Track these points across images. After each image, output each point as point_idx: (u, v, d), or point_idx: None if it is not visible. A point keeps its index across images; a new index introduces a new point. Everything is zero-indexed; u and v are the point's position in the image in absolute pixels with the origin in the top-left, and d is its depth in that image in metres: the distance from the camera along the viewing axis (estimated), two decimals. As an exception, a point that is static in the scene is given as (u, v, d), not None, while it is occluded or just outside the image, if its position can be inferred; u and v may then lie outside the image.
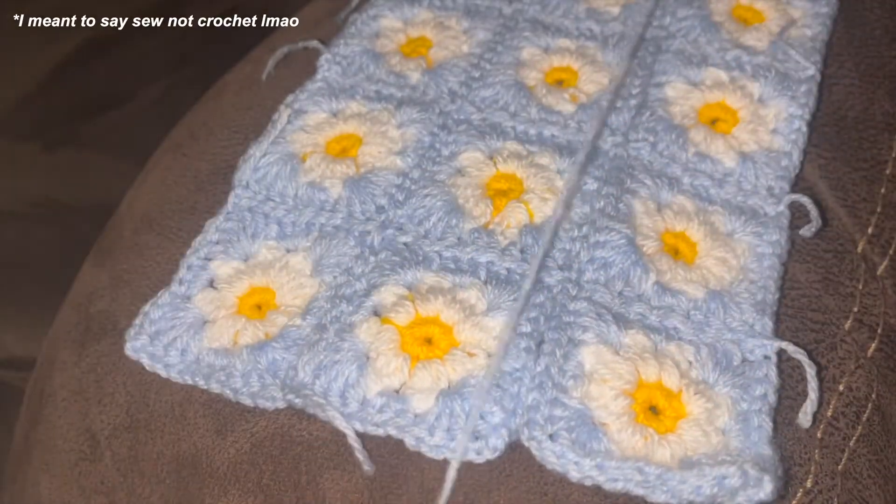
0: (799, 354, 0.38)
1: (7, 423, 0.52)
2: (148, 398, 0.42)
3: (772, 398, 0.37)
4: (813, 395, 0.37)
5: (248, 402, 0.39)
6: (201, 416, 0.40)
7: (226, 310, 0.42)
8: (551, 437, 0.35)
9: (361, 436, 0.37)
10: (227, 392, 0.39)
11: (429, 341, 0.39)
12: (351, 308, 0.40)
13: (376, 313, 0.39)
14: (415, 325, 0.39)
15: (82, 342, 0.45)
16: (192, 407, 0.40)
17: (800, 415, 0.38)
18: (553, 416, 0.36)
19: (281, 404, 0.38)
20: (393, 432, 0.36)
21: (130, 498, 0.40)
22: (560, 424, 0.35)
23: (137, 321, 0.42)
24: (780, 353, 0.39)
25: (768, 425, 0.36)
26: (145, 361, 0.41)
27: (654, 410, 0.36)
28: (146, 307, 0.42)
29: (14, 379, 0.65)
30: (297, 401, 0.37)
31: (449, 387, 0.37)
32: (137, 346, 0.41)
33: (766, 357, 0.38)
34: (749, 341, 0.38)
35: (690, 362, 0.38)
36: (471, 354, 0.38)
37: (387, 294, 0.40)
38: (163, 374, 0.41)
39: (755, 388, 0.37)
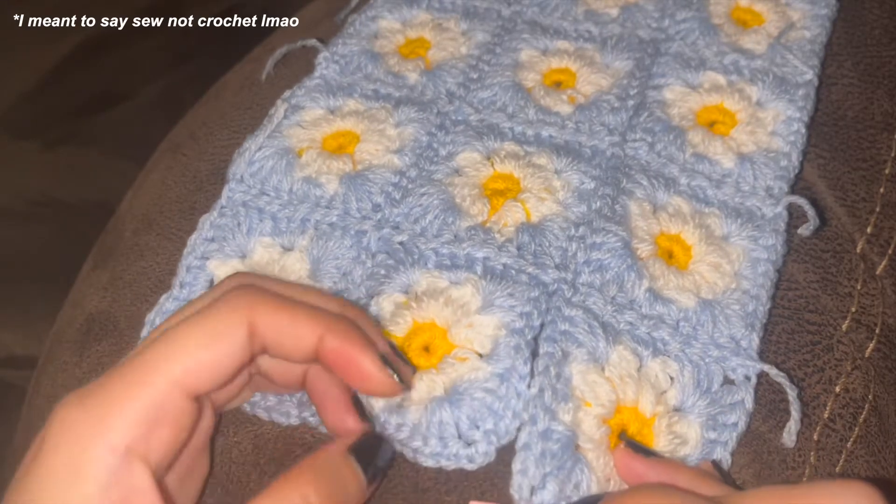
0: (780, 378, 0.38)
1: (7, 422, 0.52)
2: (148, 399, 0.42)
3: (742, 426, 0.37)
4: (796, 415, 0.37)
5: (263, 415, 0.38)
6: (204, 416, 0.40)
7: None
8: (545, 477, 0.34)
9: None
10: (245, 406, 0.39)
11: (427, 349, 0.39)
12: None
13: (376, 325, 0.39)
14: (412, 335, 0.39)
15: (83, 343, 0.45)
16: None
17: (784, 435, 0.38)
18: (545, 451, 0.34)
19: (295, 421, 0.38)
20: (395, 448, 0.37)
21: (130, 498, 0.40)
22: (549, 464, 0.34)
23: (144, 332, 0.41)
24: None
25: (728, 459, 0.36)
26: None
27: (622, 437, 0.36)
28: (151, 314, 0.42)
29: (14, 377, 0.65)
30: (311, 419, 0.38)
31: (443, 394, 0.37)
32: None
33: (747, 377, 0.38)
34: (733, 359, 0.38)
35: (672, 378, 0.38)
36: (461, 359, 0.38)
37: (385, 303, 0.40)
38: None
39: (728, 416, 0.37)
